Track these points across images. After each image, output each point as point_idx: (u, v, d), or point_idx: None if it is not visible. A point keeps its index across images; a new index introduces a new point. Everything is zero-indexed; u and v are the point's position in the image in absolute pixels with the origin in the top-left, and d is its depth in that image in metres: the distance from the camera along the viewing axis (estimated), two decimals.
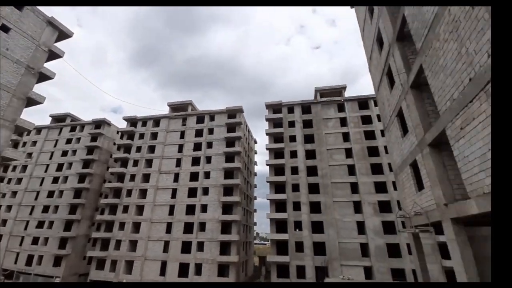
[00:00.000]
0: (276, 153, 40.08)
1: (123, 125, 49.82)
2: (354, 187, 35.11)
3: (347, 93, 47.28)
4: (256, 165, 58.50)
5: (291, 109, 42.72)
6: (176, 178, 40.73)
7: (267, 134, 41.40)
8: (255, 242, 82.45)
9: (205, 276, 33.24)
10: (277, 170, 38.83)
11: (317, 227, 34.06)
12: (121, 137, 47.73)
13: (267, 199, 36.84)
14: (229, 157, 40.98)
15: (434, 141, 8.74)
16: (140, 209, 40.08)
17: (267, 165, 39.02)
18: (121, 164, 44.21)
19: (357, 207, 33.99)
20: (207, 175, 40.01)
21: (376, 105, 37.92)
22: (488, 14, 5.31)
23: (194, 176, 40.15)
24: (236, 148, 40.19)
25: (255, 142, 60.08)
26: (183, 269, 34.43)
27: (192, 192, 39.05)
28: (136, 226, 39.01)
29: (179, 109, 48.38)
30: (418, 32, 8.73)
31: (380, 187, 34.03)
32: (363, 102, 40.07)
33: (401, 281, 26.94)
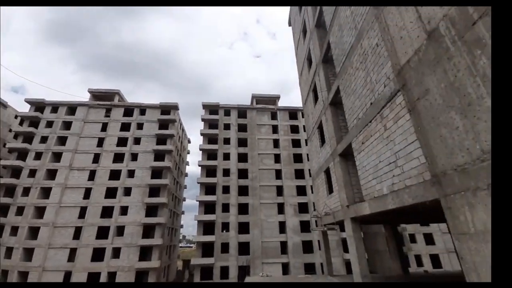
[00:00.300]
0: (210, 155, 40.04)
1: (25, 108, 40.94)
2: (280, 190, 38.32)
3: (281, 103, 51.27)
4: (188, 165, 56.73)
5: (227, 112, 43.59)
6: (92, 176, 35.85)
7: (202, 134, 41.01)
8: (180, 245, 78.97)
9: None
10: (209, 171, 38.80)
11: (244, 227, 35.52)
12: (21, 123, 39.17)
13: (197, 201, 36.29)
14: (159, 156, 38.67)
15: (343, 152, 10.59)
16: (40, 211, 33.43)
17: (199, 165, 38.54)
18: (17, 156, 36.06)
19: (281, 208, 37.16)
20: (131, 173, 36.65)
21: (303, 116, 42.58)
22: (387, 52, 7.03)
23: (115, 175, 36.14)
24: (168, 147, 38.34)
25: (189, 142, 58.37)
26: (92, 280, 30.29)
27: (111, 193, 35.02)
28: (34, 231, 32.33)
29: (103, 98, 43.01)
30: (338, 58, 10.71)
31: (301, 191, 38.21)
32: (293, 113, 44.35)
33: (311, 273, 30.59)
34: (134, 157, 37.82)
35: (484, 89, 3.82)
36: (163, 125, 40.76)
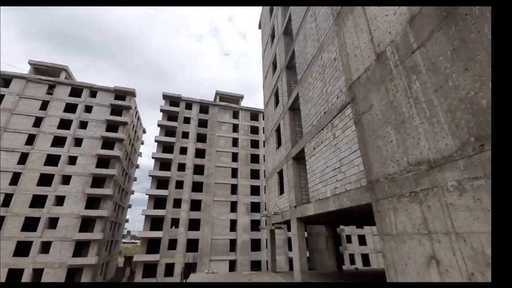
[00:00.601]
0: (165, 147, 38.25)
1: None
2: (234, 189, 38.47)
3: (244, 103, 51.51)
4: (141, 156, 53.26)
5: (189, 105, 42.23)
6: (24, 159, 31.28)
7: (159, 125, 38.96)
8: (123, 241, 73.66)
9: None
10: (163, 165, 37.05)
11: (194, 224, 34.76)
12: None
13: (147, 194, 34.30)
14: (108, 143, 35.56)
15: (296, 155, 11.17)
16: None
17: (153, 158, 36.55)
18: None
19: (233, 206, 37.35)
20: (72, 160, 32.98)
21: (263, 118, 43.48)
22: (342, 67, 7.63)
23: (52, 160, 32.12)
24: (119, 135, 35.50)
25: (144, 132, 54.90)
26: (13, 277, 26.40)
27: (45, 179, 31.01)
28: None
29: (47, 73, 37.87)
30: (301, 66, 11.22)
31: (255, 190, 38.96)
32: (254, 114, 44.97)
33: (257, 270, 31.36)
34: (78, 142, 34.11)
35: (415, 110, 4.41)
36: (116, 111, 37.61)
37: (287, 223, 12.20)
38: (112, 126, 36.43)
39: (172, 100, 41.53)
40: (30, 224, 28.69)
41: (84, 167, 32.70)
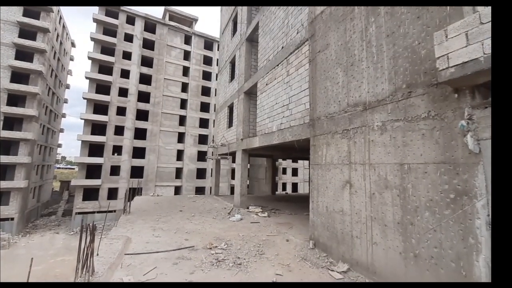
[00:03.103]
0: (102, 67, 33.15)
1: None
2: (182, 120, 37.52)
3: (197, 28, 46.00)
4: (71, 75, 45.56)
5: (131, 20, 35.66)
6: None
7: (92, 39, 32.65)
8: (58, 166, 68.71)
9: None
10: (100, 87, 32.65)
11: (139, 152, 33.90)
12: None
13: (81, 119, 30.91)
14: (24, 54, 28.87)
15: (248, 90, 11.09)
16: None
17: (86, 78, 31.68)
18: None
19: (181, 137, 37.12)
20: None
21: (218, 49, 40.31)
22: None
23: None
24: (39, 44, 28.86)
25: (73, 46, 45.79)
26: None
27: None
28: None
29: None
30: None
31: (204, 123, 38.83)
32: (209, 42, 41.02)
33: (201, 194, 34.05)
34: None
35: (365, 53, 4.61)
36: (31, 12, 29.53)
37: (233, 154, 12.87)
38: (26, 32, 29.05)
39: (109, 9, 34.23)
40: None
41: None
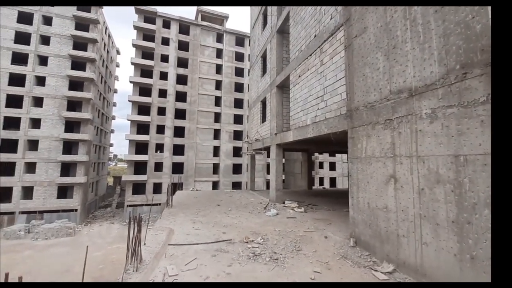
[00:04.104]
0: (144, 71, 35.59)
1: None
2: (217, 117, 38.62)
3: (228, 25, 46.60)
4: (118, 80, 49.85)
5: (167, 24, 37.52)
6: None
7: (134, 46, 35.15)
8: (111, 163, 76.27)
9: (40, 199, 28.40)
10: (143, 90, 35.20)
11: (179, 149, 35.93)
12: None
13: (128, 120, 33.72)
14: (78, 64, 32.30)
15: (281, 83, 10.89)
16: None
17: (130, 82, 34.34)
18: None
19: (217, 134, 38.31)
20: (40, 81, 30.30)
21: (249, 44, 40.38)
22: None
23: (17, 80, 29.25)
24: (90, 54, 32.01)
25: (118, 53, 49.90)
26: (3, 194, 27.43)
27: (14, 101, 28.90)
28: None
29: None
30: None
31: (238, 119, 39.47)
32: (240, 38, 41.30)
33: (237, 189, 34.87)
34: (43, 61, 30.67)
35: (409, 34, 4.15)
36: (82, 25, 32.80)
37: (267, 149, 12.85)
38: (80, 44, 32.39)
39: (147, 15, 36.39)
40: (8, 145, 28.15)
41: (56, 89, 30.44)
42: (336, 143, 8.35)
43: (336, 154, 40.84)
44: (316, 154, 38.52)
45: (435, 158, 3.56)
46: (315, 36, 7.73)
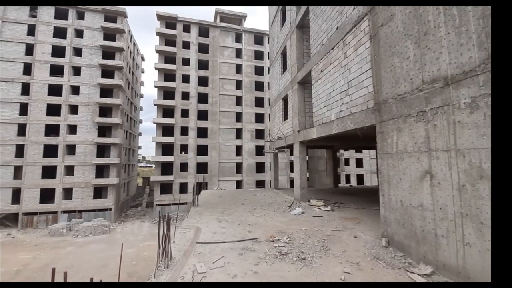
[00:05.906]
0: (167, 75, 36.88)
1: None
2: (239, 116, 38.92)
3: (247, 24, 46.71)
4: (143, 85, 52.22)
5: (187, 28, 38.51)
6: (26, 89, 30.93)
7: (157, 51, 36.55)
8: (140, 165, 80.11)
9: (78, 199, 30.66)
10: (167, 93, 36.52)
11: (202, 150, 36.80)
12: None
13: (154, 123, 35.16)
14: (107, 72, 34.29)
15: (302, 80, 10.65)
16: None
17: (155, 86, 35.77)
18: None
19: (238, 133, 38.63)
20: (75, 90, 32.61)
21: (268, 42, 40.14)
22: None
23: (55, 90, 31.73)
24: (117, 62, 33.82)
25: (142, 59, 52.17)
26: (47, 195, 30.02)
27: (53, 110, 31.40)
28: None
29: None
30: None
31: (259, 118, 39.46)
32: (259, 37, 41.23)
33: (260, 187, 34.94)
34: (77, 71, 32.96)
35: (443, 17, 3.84)
36: (109, 35, 34.72)
37: (290, 147, 12.69)
38: (108, 53, 34.36)
39: (168, 21, 37.63)
40: (49, 150, 30.70)
41: (89, 97, 32.58)
42: (363, 139, 8.00)
43: (363, 150, 39.22)
44: (341, 151, 37.34)
45: (477, 152, 3.26)
46: (337, 28, 7.46)
